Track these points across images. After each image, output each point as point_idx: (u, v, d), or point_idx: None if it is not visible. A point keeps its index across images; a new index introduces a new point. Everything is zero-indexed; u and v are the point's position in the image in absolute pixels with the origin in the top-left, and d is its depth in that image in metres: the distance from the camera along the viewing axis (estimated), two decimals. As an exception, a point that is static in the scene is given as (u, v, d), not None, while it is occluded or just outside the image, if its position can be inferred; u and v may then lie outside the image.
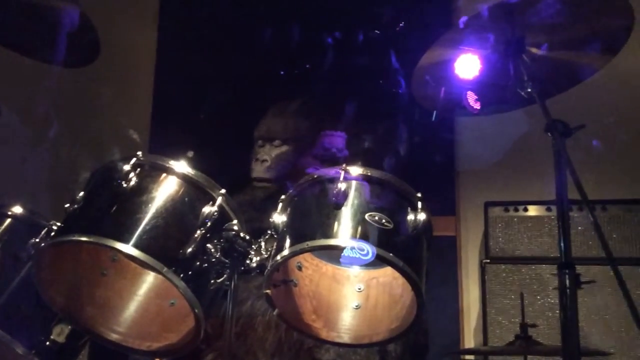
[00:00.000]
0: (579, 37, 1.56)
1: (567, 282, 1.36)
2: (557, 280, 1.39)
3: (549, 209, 2.55)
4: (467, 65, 1.64)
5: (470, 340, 2.70)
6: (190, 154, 1.49)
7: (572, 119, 1.50)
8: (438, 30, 1.66)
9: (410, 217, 1.32)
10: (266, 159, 2.29)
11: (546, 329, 2.31)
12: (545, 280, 2.47)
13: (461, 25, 1.54)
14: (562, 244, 1.38)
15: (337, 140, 2.35)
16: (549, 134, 1.45)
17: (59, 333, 1.45)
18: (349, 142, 2.36)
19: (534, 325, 2.08)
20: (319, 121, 2.38)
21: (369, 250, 1.24)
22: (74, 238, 1.26)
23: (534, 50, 1.60)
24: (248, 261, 1.37)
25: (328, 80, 2.77)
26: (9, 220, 1.50)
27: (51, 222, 1.38)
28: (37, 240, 1.35)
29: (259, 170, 2.29)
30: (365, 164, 1.36)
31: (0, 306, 1.40)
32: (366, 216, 1.28)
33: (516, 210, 2.60)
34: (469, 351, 2.65)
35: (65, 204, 1.31)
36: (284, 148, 2.31)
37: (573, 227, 2.40)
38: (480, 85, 1.67)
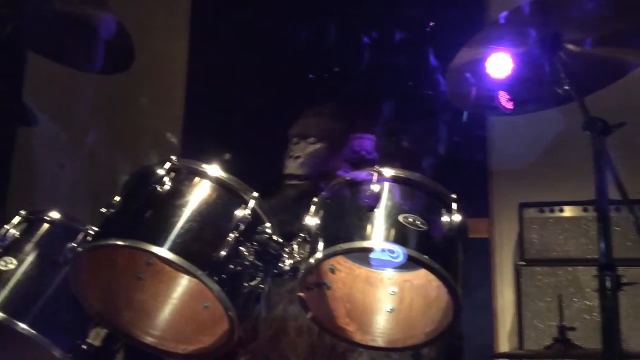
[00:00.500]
0: (619, 32, 1.52)
1: (609, 284, 1.32)
2: (597, 282, 1.35)
3: (585, 210, 2.49)
4: (499, 64, 1.62)
5: (505, 344, 2.66)
6: (227, 156, 1.49)
7: (610, 117, 1.46)
8: (470, 29, 1.63)
9: (445, 218, 1.30)
10: (300, 155, 2.27)
11: (584, 332, 2.26)
12: (582, 282, 2.41)
13: (502, 21, 1.51)
14: (603, 246, 1.34)
15: (367, 143, 2.33)
16: (588, 132, 1.42)
17: (96, 337, 1.47)
18: (383, 144, 2.34)
19: (572, 329, 2.04)
20: (353, 123, 2.37)
21: (399, 252, 1.22)
22: (111, 242, 1.28)
23: (571, 47, 1.56)
24: (281, 264, 1.37)
25: (359, 81, 2.76)
26: (47, 226, 1.53)
27: (88, 227, 1.41)
28: (75, 245, 1.38)
29: (292, 167, 2.27)
30: (403, 165, 1.35)
31: (39, 310, 1.42)
32: (400, 218, 1.27)
33: (552, 211, 2.55)
34: (506, 355, 2.60)
35: (102, 208, 1.33)
36: (318, 146, 2.29)
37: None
38: (514, 84, 1.64)
